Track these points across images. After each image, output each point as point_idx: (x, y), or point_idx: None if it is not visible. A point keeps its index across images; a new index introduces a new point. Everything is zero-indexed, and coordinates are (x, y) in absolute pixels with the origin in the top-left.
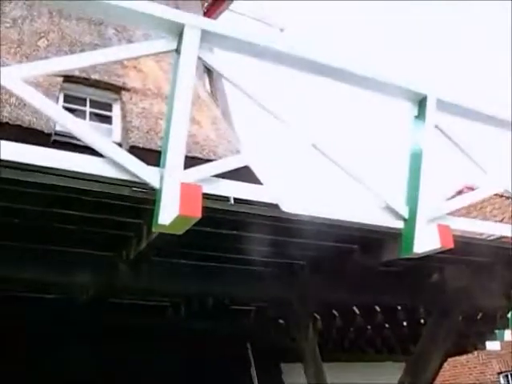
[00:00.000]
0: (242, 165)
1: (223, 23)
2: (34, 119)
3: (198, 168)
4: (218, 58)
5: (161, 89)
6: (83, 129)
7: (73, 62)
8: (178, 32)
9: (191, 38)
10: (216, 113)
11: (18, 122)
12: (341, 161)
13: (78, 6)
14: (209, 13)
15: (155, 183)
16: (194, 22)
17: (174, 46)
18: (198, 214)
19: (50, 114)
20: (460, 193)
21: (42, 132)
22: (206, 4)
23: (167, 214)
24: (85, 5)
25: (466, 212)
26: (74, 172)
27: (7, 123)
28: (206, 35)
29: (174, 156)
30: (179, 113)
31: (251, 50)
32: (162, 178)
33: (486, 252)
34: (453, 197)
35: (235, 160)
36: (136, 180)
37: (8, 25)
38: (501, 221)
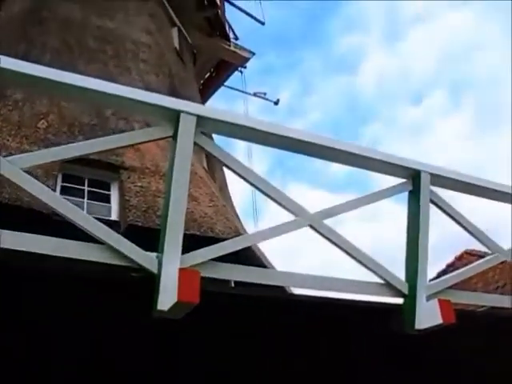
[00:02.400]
0: (240, 247)
1: (218, 110)
2: (33, 200)
3: (196, 252)
4: (215, 146)
5: (158, 167)
6: (80, 216)
7: (71, 152)
8: (174, 119)
9: (187, 125)
10: (213, 189)
11: (18, 203)
12: (338, 239)
13: (77, 94)
14: (204, 89)
15: (153, 269)
16: (189, 108)
17: (170, 132)
18: (197, 300)
19: (48, 202)
20: (460, 258)
21: (41, 212)
22: (202, 81)
23: (166, 299)
24: (83, 93)
25: (468, 278)
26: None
27: (7, 204)
28: (201, 121)
29: (172, 241)
30: (177, 197)
31: (246, 133)
32: (160, 264)
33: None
34: (453, 263)
35: (234, 242)
36: (134, 266)
37: (10, 107)
38: (503, 286)
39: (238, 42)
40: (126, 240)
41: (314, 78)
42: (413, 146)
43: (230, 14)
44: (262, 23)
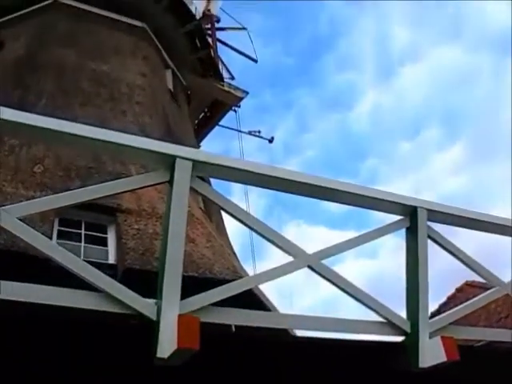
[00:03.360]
0: (239, 291)
1: (213, 154)
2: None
3: (195, 298)
4: (211, 190)
5: (155, 209)
6: (77, 264)
7: (67, 200)
8: (170, 164)
9: (183, 170)
10: (210, 229)
11: (14, 248)
12: (337, 279)
13: (73, 141)
14: (199, 129)
15: (152, 316)
16: (184, 153)
17: (166, 177)
18: (197, 346)
19: (45, 251)
20: (461, 290)
21: (37, 258)
22: (196, 121)
23: (166, 346)
24: (80, 141)
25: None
26: None
27: (3, 250)
28: (197, 165)
29: (171, 286)
30: (174, 243)
31: (241, 176)
32: (159, 310)
33: None
34: (453, 295)
35: (233, 286)
36: (133, 313)
37: (6, 152)
38: (506, 317)
39: (233, 81)
40: (124, 287)
41: (309, 115)
42: (409, 180)
43: (225, 53)
44: (255, 61)
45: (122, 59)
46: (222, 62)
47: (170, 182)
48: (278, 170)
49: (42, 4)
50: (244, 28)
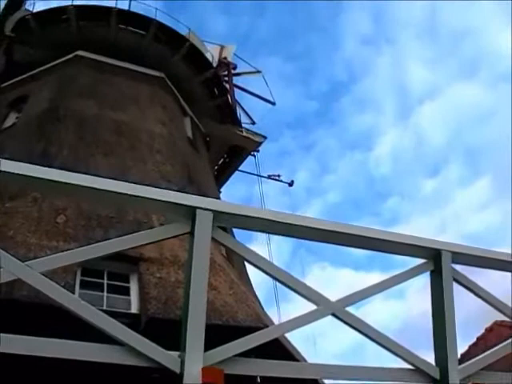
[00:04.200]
0: (264, 341)
1: (233, 204)
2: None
3: (219, 349)
4: (232, 239)
5: (177, 257)
6: (99, 318)
7: (90, 253)
8: (191, 215)
9: (203, 221)
10: (233, 277)
11: (37, 300)
12: (363, 326)
13: (95, 197)
14: (219, 175)
15: (176, 369)
16: (205, 204)
17: (188, 228)
18: None
19: (67, 305)
20: (490, 330)
21: (60, 309)
22: (216, 167)
23: None
24: (100, 195)
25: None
26: None
27: (27, 302)
28: (217, 216)
29: (194, 338)
30: (197, 294)
31: (262, 225)
32: (182, 363)
33: None
34: (483, 335)
35: (258, 336)
36: (156, 366)
37: (29, 204)
38: None
39: (254, 125)
40: (147, 340)
41: (329, 157)
42: (433, 218)
43: (244, 98)
44: (273, 103)
45: (141, 109)
46: (242, 108)
47: (192, 232)
48: (298, 218)
49: (64, 58)
50: (259, 71)
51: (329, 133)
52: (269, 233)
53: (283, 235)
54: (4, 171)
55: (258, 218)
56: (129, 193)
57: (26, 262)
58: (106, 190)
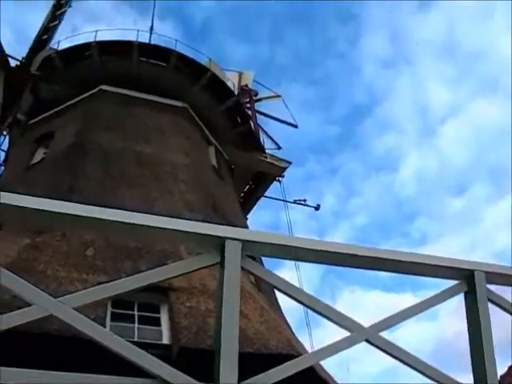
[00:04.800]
0: (299, 369)
1: (262, 233)
2: None
3: (253, 379)
4: (262, 268)
5: (206, 286)
6: (131, 351)
7: (121, 287)
8: (220, 245)
9: (233, 251)
10: (263, 304)
11: (67, 334)
12: (398, 351)
13: (123, 231)
14: (245, 202)
15: None
16: (234, 234)
17: (217, 259)
18: None
19: (99, 339)
20: None
21: (90, 342)
22: (241, 194)
23: None
24: (130, 230)
25: None
26: None
27: (58, 336)
28: (246, 245)
29: (227, 368)
30: (228, 324)
31: (292, 253)
32: None
33: None
34: None
35: (293, 365)
36: None
37: (58, 238)
38: None
39: (279, 151)
40: (179, 372)
41: (355, 180)
42: (462, 237)
43: (268, 124)
44: (295, 126)
45: (165, 139)
46: (266, 133)
47: (221, 263)
48: (327, 244)
49: (88, 93)
50: (278, 95)
51: (353, 156)
52: (298, 260)
53: (313, 262)
54: (31, 208)
55: (286, 245)
56: (157, 225)
57: (59, 298)
58: (133, 223)
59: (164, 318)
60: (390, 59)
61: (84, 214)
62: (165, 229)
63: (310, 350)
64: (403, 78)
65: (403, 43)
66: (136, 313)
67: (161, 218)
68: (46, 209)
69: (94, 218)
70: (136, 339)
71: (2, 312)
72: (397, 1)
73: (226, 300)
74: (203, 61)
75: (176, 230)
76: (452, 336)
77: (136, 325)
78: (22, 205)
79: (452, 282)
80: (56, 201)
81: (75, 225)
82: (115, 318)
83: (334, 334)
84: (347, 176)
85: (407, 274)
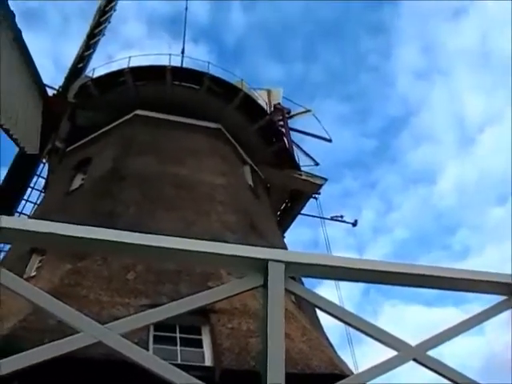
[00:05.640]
0: None
1: (304, 254)
2: None
3: None
4: (304, 289)
5: (247, 306)
6: (174, 373)
7: (167, 312)
8: (263, 268)
9: (276, 272)
10: (304, 323)
11: (113, 358)
12: (447, 370)
13: (167, 257)
14: (282, 220)
15: None
16: (276, 256)
17: (260, 281)
18: None
19: (144, 363)
20: None
21: (134, 365)
22: (278, 212)
23: None
24: (174, 255)
25: None
26: None
27: (104, 359)
28: (289, 267)
29: None
30: (274, 346)
31: (335, 273)
32: None
33: None
34: None
35: None
36: None
37: (99, 262)
38: None
39: (317, 167)
40: None
41: (393, 194)
42: (506, 247)
43: (301, 141)
44: (329, 140)
45: (200, 161)
46: (302, 151)
47: (265, 285)
48: (368, 263)
49: (124, 119)
50: (309, 110)
51: (390, 169)
52: (340, 280)
53: (355, 281)
54: (74, 236)
55: (329, 266)
56: (200, 250)
57: (106, 325)
58: (176, 248)
59: (206, 339)
60: (424, 70)
61: (123, 240)
62: (208, 253)
63: (353, 369)
64: (438, 89)
65: (436, 53)
66: (178, 335)
67: (203, 242)
68: (88, 236)
69: (137, 244)
70: (179, 362)
71: (48, 338)
72: (428, 11)
73: (270, 322)
74: (235, 81)
75: (219, 254)
76: (500, 349)
77: (178, 347)
78: (65, 233)
79: (498, 297)
80: (99, 228)
81: (118, 251)
82: (158, 340)
83: (376, 351)
84: (385, 190)
85: (452, 290)
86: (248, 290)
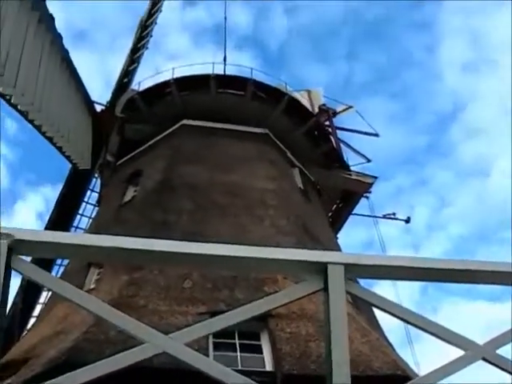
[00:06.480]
0: None
1: (363, 255)
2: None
3: None
4: (363, 289)
5: (304, 310)
6: (239, 380)
7: (228, 320)
8: (323, 271)
9: (336, 275)
10: (363, 324)
11: (173, 366)
12: None
13: (225, 265)
14: (334, 221)
15: None
16: (335, 259)
17: (320, 285)
18: None
19: (207, 371)
20: None
21: (197, 373)
22: (330, 214)
23: None
24: (232, 263)
25: None
26: None
27: (165, 368)
28: (349, 269)
29: None
30: (338, 351)
31: (393, 273)
32: None
33: None
34: None
35: None
36: None
37: (156, 272)
38: None
39: (364, 167)
40: None
41: (446, 189)
42: None
43: (348, 140)
44: (376, 135)
45: (250, 167)
46: (353, 149)
47: (325, 288)
48: (430, 261)
49: (171, 129)
50: (351, 107)
51: (442, 165)
52: (399, 279)
53: (417, 280)
54: (125, 248)
55: (389, 266)
56: (258, 256)
57: (170, 335)
58: (235, 256)
59: (265, 345)
60: (471, 62)
61: (178, 251)
62: (266, 259)
63: (414, 369)
64: (486, 80)
65: (483, 44)
66: (237, 341)
67: (261, 248)
68: (147, 248)
69: (195, 253)
70: (240, 368)
71: (110, 349)
72: (472, 2)
73: (333, 325)
74: (277, 85)
75: (277, 260)
76: None
77: (238, 353)
78: (125, 246)
79: None
80: (157, 240)
81: (177, 262)
82: (217, 347)
83: (434, 349)
84: (438, 186)
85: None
86: (309, 295)
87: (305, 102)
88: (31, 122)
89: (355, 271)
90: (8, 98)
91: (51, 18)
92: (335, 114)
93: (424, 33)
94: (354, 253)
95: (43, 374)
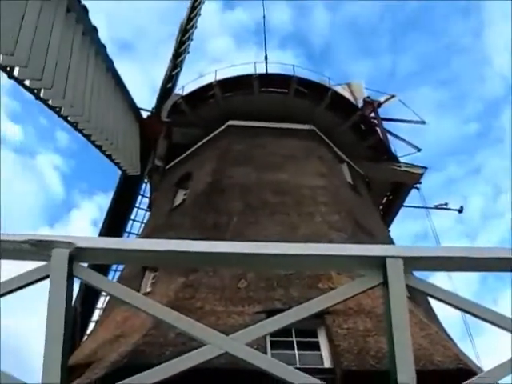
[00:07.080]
0: None
1: (420, 247)
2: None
3: None
4: (424, 282)
5: (361, 305)
6: (299, 377)
7: (288, 319)
8: (381, 265)
9: (395, 269)
10: (422, 317)
11: (233, 366)
12: None
13: (282, 264)
14: (385, 214)
15: None
16: (394, 252)
17: (379, 279)
18: None
19: (268, 369)
20: None
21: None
22: (381, 207)
23: None
24: (289, 262)
25: None
26: None
27: (227, 369)
28: (408, 262)
29: None
30: (401, 345)
31: (453, 264)
32: None
33: None
34: None
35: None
36: None
37: (211, 274)
38: None
39: (417, 157)
40: None
41: (500, 177)
42: None
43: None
44: (423, 122)
45: (298, 164)
46: (402, 139)
47: (385, 283)
48: (489, 251)
49: (217, 131)
50: (393, 96)
51: (494, 152)
52: (459, 271)
53: (478, 271)
54: (180, 251)
55: (448, 257)
56: (311, 253)
57: (231, 336)
58: (291, 254)
59: (323, 341)
60: None
61: (230, 251)
62: (322, 255)
63: (475, 362)
64: None
65: None
66: (294, 339)
67: (316, 245)
68: (203, 250)
69: (251, 253)
70: (298, 365)
71: (170, 351)
72: None
73: (395, 320)
74: (320, 80)
75: (334, 256)
76: None
77: (296, 351)
78: (182, 249)
79: None
80: (212, 242)
81: (233, 263)
82: (275, 345)
83: (496, 341)
84: (491, 173)
85: None
86: (368, 290)
87: (347, 95)
88: (81, 131)
89: (414, 264)
90: (58, 109)
91: (95, 30)
92: (379, 105)
93: (469, 18)
94: (411, 245)
95: (106, 377)
